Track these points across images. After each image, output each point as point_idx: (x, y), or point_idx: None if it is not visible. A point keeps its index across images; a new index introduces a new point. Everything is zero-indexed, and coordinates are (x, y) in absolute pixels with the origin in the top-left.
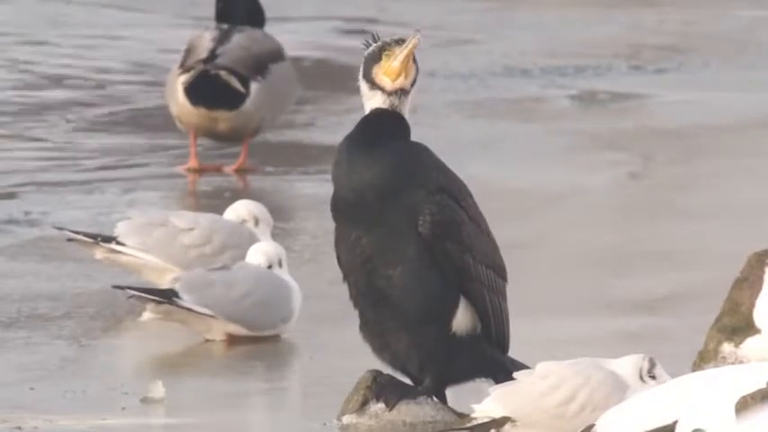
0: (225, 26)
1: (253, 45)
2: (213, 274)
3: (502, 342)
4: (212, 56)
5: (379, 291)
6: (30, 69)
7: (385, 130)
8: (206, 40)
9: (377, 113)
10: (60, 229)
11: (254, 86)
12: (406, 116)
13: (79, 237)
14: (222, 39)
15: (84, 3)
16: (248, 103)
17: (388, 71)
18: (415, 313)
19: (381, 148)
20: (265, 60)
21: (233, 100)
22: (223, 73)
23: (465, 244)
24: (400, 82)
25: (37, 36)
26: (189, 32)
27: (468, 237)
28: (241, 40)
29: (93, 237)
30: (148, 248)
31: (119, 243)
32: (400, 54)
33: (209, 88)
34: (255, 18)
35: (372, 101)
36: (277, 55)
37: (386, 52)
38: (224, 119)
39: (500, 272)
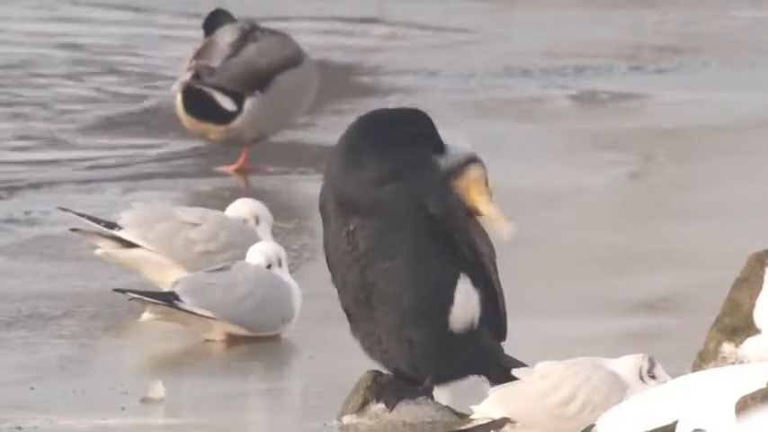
0: (248, 26)
1: (261, 57)
2: (213, 277)
3: (503, 325)
4: (209, 70)
5: (372, 286)
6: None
7: (386, 122)
8: (222, 45)
9: (385, 109)
10: (65, 210)
11: (248, 103)
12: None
13: (84, 219)
14: (235, 48)
15: (75, 2)
16: (238, 121)
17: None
18: (411, 307)
19: (382, 139)
20: (273, 72)
21: (220, 116)
22: (207, 89)
23: (468, 222)
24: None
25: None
26: (191, 33)
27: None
28: (251, 51)
29: (97, 221)
30: (151, 241)
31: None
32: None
33: (198, 100)
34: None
35: None
36: (290, 61)
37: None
38: (213, 131)
39: (493, 255)
